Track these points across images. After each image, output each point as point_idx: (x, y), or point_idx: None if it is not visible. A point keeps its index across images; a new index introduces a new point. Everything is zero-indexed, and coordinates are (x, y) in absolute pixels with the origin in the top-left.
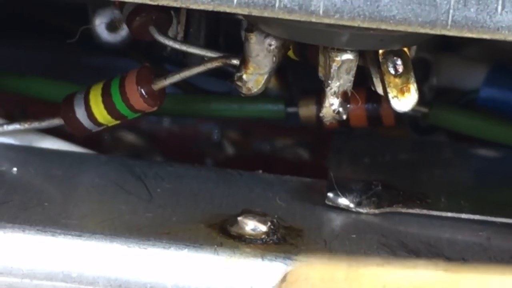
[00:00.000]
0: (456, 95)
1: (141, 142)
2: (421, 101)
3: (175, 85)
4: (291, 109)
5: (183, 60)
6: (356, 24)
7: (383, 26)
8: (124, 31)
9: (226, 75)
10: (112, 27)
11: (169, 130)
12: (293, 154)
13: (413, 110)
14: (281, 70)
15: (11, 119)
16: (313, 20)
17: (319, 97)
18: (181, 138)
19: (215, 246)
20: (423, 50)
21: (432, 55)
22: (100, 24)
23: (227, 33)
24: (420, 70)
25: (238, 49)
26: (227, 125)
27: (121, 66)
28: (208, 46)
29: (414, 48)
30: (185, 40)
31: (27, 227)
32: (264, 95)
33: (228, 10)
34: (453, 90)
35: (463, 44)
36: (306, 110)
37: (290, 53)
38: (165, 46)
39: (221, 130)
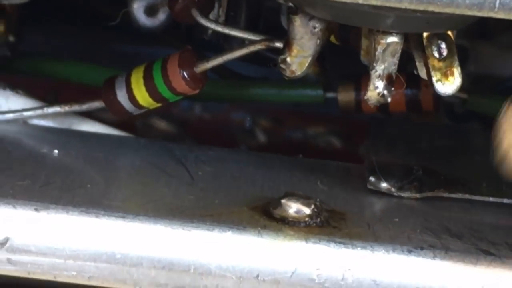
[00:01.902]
0: (493, 82)
1: (173, 129)
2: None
3: (211, 70)
4: (329, 95)
5: (222, 44)
6: (403, 6)
7: (431, 8)
8: (162, 15)
9: (262, 61)
10: (150, 11)
11: (201, 118)
12: (324, 142)
13: (451, 96)
14: (319, 56)
15: None
16: (360, 2)
17: (358, 83)
18: (213, 125)
19: (259, 228)
20: (461, 37)
21: (469, 42)
22: (138, 8)
23: (267, 17)
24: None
25: (278, 32)
26: (259, 113)
27: (157, 52)
28: (248, 29)
29: (454, 33)
30: (226, 24)
31: (70, 208)
32: (302, 81)
33: None
34: (489, 77)
35: (499, 31)
36: (345, 95)
37: (331, 37)
38: (205, 30)
39: (253, 118)
